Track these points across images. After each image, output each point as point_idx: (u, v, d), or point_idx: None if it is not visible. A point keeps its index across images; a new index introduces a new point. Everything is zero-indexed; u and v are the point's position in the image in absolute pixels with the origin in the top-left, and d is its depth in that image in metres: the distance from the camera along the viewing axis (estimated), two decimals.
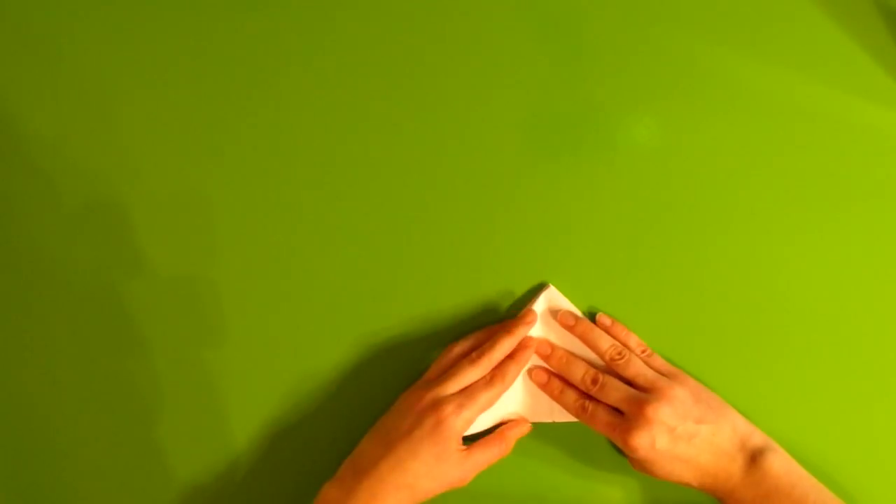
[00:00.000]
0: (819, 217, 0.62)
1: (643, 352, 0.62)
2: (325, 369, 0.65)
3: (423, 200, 0.64)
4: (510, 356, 0.61)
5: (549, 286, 0.63)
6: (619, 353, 0.60)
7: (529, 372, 0.62)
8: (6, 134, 0.65)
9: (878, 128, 0.61)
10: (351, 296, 0.64)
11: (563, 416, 0.62)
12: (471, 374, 0.59)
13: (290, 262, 0.65)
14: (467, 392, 0.58)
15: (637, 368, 0.60)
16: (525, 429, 0.62)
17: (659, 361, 0.62)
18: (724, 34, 0.62)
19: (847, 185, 0.62)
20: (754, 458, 0.57)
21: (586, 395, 0.60)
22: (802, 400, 0.62)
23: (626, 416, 0.58)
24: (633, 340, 0.62)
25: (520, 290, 0.64)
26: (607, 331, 0.62)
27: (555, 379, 0.62)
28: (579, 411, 0.60)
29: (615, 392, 0.59)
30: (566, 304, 0.63)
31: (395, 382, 0.63)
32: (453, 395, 0.58)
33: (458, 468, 0.58)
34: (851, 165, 0.62)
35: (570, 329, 0.62)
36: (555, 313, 0.63)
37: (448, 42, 0.63)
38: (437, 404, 0.57)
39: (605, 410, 0.59)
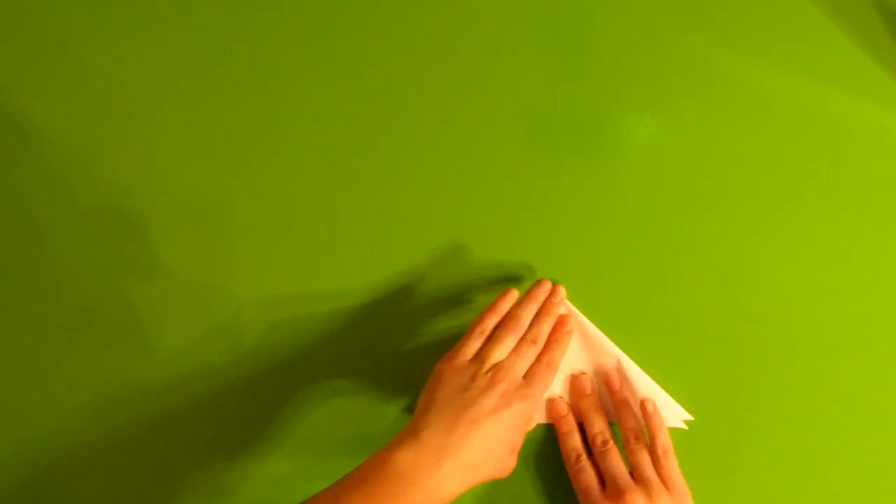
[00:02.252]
0: (819, 216, 0.62)
1: (664, 453, 0.59)
2: (329, 367, 0.64)
3: (426, 201, 0.64)
4: (556, 341, 0.59)
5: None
6: (604, 443, 0.60)
7: (551, 401, 0.62)
8: (24, 138, 0.65)
9: (878, 128, 0.62)
10: (353, 294, 0.64)
11: None
12: (530, 354, 0.58)
13: (296, 259, 0.64)
14: (537, 378, 0.57)
15: (614, 464, 0.59)
16: (531, 424, 0.61)
17: (671, 467, 0.59)
18: (725, 36, 0.63)
19: (847, 185, 0.62)
20: None
21: (587, 451, 0.60)
22: (803, 398, 0.62)
23: (607, 490, 0.58)
24: (662, 438, 0.60)
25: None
26: (648, 418, 0.60)
27: (571, 418, 0.62)
28: (574, 460, 0.60)
29: (614, 465, 0.59)
30: (567, 305, 0.62)
31: (397, 381, 0.63)
32: (530, 379, 0.57)
33: (512, 457, 0.56)
34: (851, 165, 0.62)
35: (582, 397, 0.62)
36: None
37: (452, 44, 0.64)
38: (521, 387, 0.56)
39: (593, 474, 0.59)
